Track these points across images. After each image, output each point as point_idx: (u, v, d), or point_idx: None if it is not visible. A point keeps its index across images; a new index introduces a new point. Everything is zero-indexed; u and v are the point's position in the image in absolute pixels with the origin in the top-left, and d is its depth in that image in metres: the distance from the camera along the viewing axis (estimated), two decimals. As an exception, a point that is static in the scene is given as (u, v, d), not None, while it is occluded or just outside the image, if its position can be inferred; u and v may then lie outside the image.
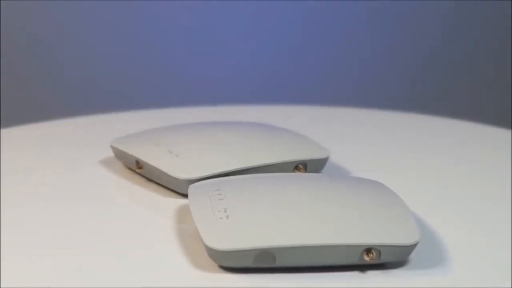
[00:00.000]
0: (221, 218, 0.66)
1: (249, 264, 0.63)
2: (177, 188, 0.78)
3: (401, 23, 1.86)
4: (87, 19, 1.76)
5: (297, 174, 0.80)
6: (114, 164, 0.86)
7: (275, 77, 1.84)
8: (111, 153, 0.86)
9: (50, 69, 1.78)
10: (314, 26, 1.85)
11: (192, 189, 0.73)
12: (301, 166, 0.81)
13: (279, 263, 0.63)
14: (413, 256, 0.65)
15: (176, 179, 0.77)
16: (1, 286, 0.62)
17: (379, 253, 0.63)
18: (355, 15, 1.85)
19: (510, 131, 1.02)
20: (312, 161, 0.82)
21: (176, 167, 0.78)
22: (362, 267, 0.64)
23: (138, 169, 0.81)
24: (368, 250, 0.63)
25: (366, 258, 0.63)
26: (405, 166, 0.91)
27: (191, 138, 0.84)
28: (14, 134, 0.99)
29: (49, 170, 0.87)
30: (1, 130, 0.99)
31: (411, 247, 0.64)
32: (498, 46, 1.89)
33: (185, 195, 0.76)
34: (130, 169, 0.84)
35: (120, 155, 0.85)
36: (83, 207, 0.77)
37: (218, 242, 0.63)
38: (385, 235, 0.64)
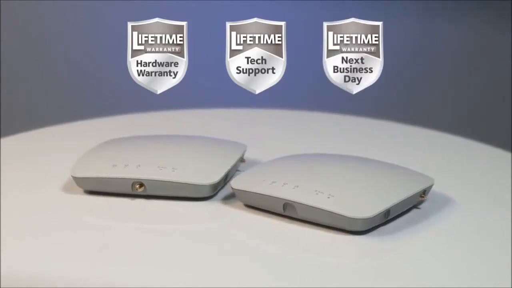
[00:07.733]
0: (328, 197, 0.83)
1: (375, 223, 0.82)
2: (196, 194, 0.88)
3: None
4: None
5: (302, 154, 0.95)
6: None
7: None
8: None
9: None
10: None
11: (243, 185, 0.86)
12: (244, 158, 0.98)
13: (388, 217, 0.84)
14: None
15: (200, 185, 0.87)
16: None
17: (424, 193, 0.89)
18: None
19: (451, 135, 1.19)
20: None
21: (192, 175, 0.88)
22: (413, 207, 0.88)
23: (139, 189, 0.88)
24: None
25: (422, 198, 0.88)
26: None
27: (161, 151, 0.93)
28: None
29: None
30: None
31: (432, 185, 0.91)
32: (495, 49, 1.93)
33: (200, 199, 0.89)
34: (96, 193, 0.89)
35: (95, 182, 0.89)
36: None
37: (362, 212, 0.81)
38: (426, 180, 0.89)
